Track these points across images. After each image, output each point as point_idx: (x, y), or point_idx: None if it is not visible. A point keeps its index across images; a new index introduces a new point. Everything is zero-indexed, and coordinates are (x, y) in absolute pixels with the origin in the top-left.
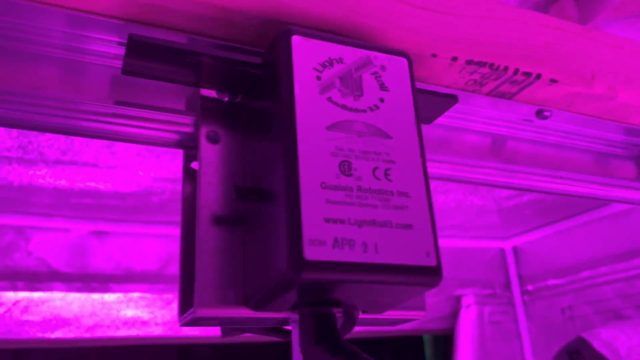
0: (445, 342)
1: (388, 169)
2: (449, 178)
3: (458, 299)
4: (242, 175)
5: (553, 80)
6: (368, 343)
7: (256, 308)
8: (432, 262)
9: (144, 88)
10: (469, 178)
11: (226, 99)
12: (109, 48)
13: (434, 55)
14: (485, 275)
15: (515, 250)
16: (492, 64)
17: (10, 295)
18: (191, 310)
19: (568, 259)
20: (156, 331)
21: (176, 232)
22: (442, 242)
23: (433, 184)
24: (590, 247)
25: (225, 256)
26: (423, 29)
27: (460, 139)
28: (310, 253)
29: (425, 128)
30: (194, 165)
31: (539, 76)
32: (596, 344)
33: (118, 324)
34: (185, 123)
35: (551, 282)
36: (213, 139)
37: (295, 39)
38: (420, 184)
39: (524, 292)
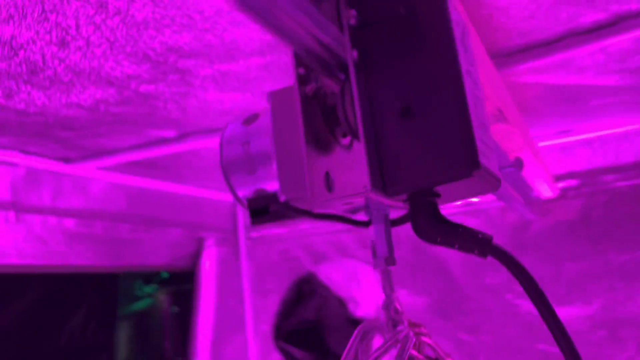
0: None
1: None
2: None
3: (201, 240)
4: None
5: None
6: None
7: (393, 194)
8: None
9: None
10: None
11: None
12: None
13: None
14: (222, 222)
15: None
16: None
17: None
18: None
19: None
20: None
21: None
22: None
23: None
24: None
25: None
26: None
27: None
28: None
29: None
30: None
31: None
32: (320, 276)
33: None
34: None
35: (274, 231)
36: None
37: None
38: None
39: (248, 239)
